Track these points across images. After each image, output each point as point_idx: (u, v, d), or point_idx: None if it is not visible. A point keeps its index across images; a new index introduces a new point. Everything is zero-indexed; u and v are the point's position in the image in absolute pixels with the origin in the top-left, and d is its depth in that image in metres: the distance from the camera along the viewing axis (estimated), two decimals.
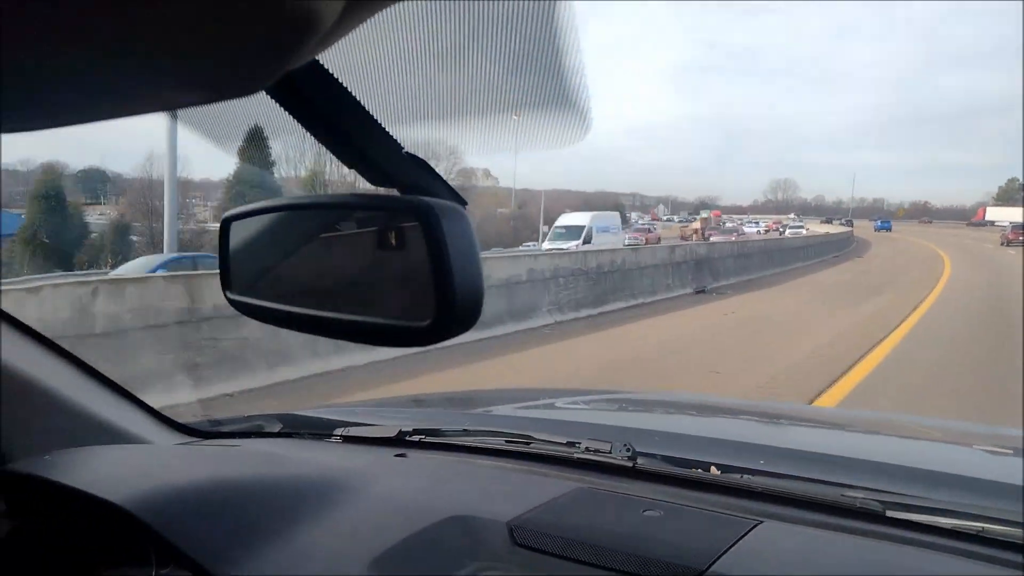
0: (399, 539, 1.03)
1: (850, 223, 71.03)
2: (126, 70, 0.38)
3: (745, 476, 1.20)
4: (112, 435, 1.41)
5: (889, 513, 1.07)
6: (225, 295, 0.74)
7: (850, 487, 1.13)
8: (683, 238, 41.19)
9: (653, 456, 1.28)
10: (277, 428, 1.62)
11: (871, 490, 1.12)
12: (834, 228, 60.10)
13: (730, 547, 0.97)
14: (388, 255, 0.60)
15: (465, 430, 1.48)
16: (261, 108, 0.71)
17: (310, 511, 1.11)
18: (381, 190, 0.66)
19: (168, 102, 0.45)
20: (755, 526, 1.04)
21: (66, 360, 1.41)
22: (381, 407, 1.95)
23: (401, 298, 0.59)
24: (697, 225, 52.94)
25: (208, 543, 1.00)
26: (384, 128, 0.64)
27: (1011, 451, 1.58)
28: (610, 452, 1.29)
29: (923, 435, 1.90)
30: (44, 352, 1.38)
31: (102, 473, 1.14)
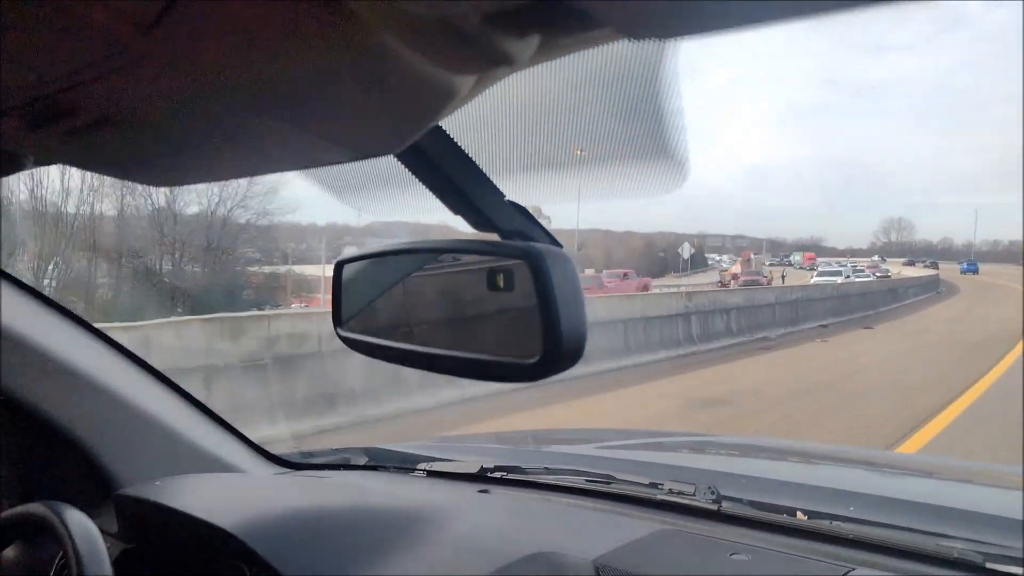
0: (485, 573, 1.06)
1: (935, 264, 67.97)
2: (283, 131, 0.44)
3: (835, 523, 1.17)
4: (211, 463, 1.49)
5: (989, 565, 1.03)
6: (337, 332, 0.79)
7: (946, 536, 1.10)
8: (722, 284, 39.63)
9: (738, 500, 1.26)
10: (363, 461, 1.68)
11: (969, 540, 1.08)
12: (917, 271, 57.45)
13: None
14: (496, 296, 0.64)
15: (546, 468, 1.49)
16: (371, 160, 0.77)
17: (399, 543, 1.14)
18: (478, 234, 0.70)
19: (314, 160, 0.51)
20: (847, 572, 1.02)
21: (171, 390, 1.51)
22: (463, 443, 1.99)
23: (509, 336, 0.63)
24: (736, 269, 51.05)
25: (306, 568, 1.05)
26: (488, 177, 0.69)
27: None
28: (694, 494, 1.29)
29: (1016, 484, 1.81)
30: (152, 381, 1.48)
31: (209, 499, 1.21)
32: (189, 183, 0.56)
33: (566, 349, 0.56)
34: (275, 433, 6.10)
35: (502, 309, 0.64)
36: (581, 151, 0.67)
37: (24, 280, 1.37)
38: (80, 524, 0.97)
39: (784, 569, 1.05)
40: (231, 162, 0.52)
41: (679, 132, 0.57)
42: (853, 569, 1.04)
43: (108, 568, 0.95)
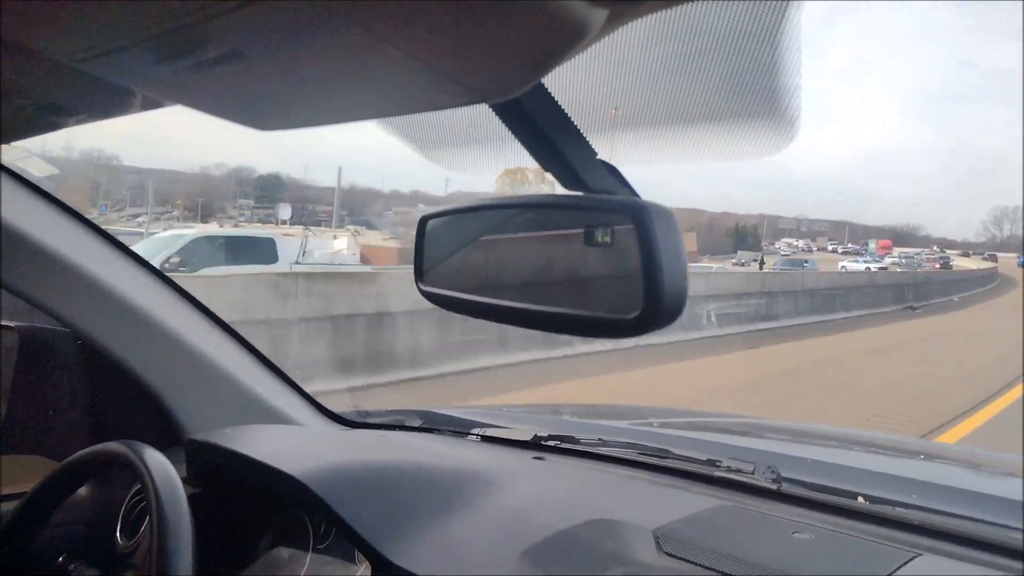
0: (545, 536, 1.07)
1: (993, 258, 65.42)
2: (409, 67, 0.44)
3: (899, 508, 1.15)
4: (274, 416, 1.53)
5: None
6: (417, 286, 0.80)
7: (1012, 528, 1.08)
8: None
9: (798, 481, 1.25)
10: (418, 423, 1.70)
11: None
12: (972, 263, 55.35)
13: (890, 574, 0.94)
14: (594, 251, 0.64)
15: (601, 439, 1.50)
16: (461, 113, 0.76)
17: (459, 501, 1.16)
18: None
19: (433, 102, 0.50)
20: (914, 558, 1.01)
21: (237, 342, 1.55)
22: (515, 411, 2.00)
23: (606, 292, 0.63)
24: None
25: (371, 520, 1.07)
26: (581, 134, 0.68)
27: None
28: (753, 473, 1.28)
29: None
30: (220, 332, 1.52)
31: (277, 449, 1.24)
32: (298, 126, 0.57)
33: (667, 305, 0.56)
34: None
35: (599, 264, 0.64)
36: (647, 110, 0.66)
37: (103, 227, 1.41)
38: (159, 463, 1.01)
39: (849, 550, 1.04)
40: (348, 102, 0.52)
41: (792, 91, 0.55)
42: (920, 554, 1.02)
43: (185, 506, 0.98)
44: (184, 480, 1.34)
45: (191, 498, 1.31)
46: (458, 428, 1.65)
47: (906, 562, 0.98)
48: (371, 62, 0.45)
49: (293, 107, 0.55)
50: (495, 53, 0.43)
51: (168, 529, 0.95)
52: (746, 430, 1.96)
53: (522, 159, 0.74)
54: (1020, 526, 1.07)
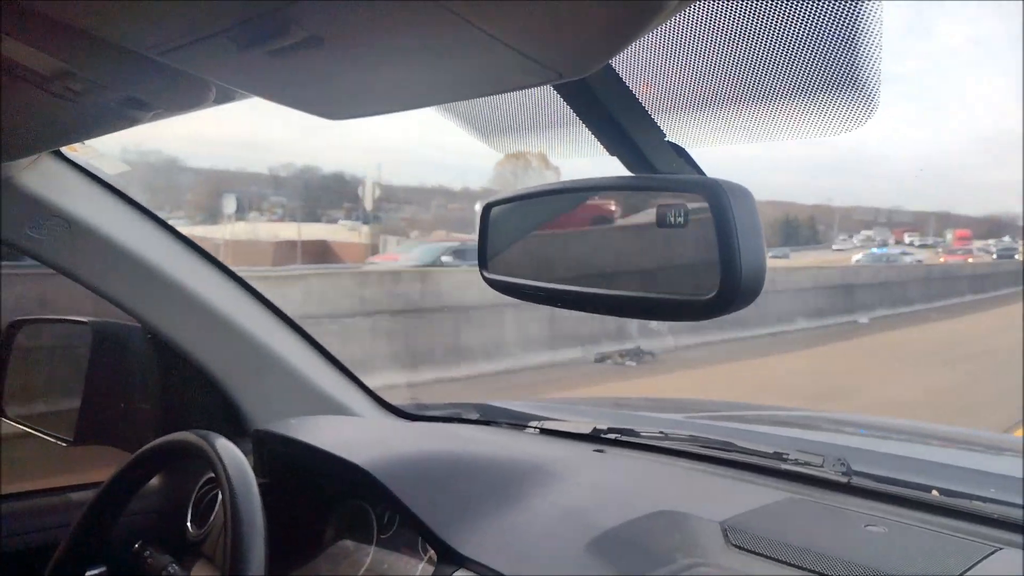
0: (611, 527, 1.06)
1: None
2: (484, 45, 0.43)
3: (975, 502, 1.11)
4: (335, 409, 1.56)
5: None
6: (482, 274, 0.80)
7: None
8: None
9: (870, 475, 1.21)
10: (475, 416, 1.71)
11: None
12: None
13: (971, 568, 0.91)
14: (667, 232, 0.63)
15: (662, 432, 1.48)
16: (526, 97, 0.76)
17: (521, 491, 1.16)
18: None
19: (508, 82, 0.50)
20: (994, 552, 0.97)
21: (300, 335, 1.57)
22: (573, 405, 1.99)
23: (681, 273, 0.62)
24: None
25: (436, 509, 1.07)
26: (649, 115, 0.67)
27: None
28: (822, 466, 1.24)
29: None
30: (282, 326, 1.55)
31: (341, 439, 1.26)
32: (369, 114, 0.57)
33: (745, 285, 0.54)
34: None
35: (673, 246, 0.63)
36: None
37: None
38: (232, 453, 1.03)
39: (925, 543, 1.00)
40: (424, 85, 0.52)
41: (874, 63, 0.53)
42: (1000, 548, 0.98)
43: (258, 496, 1.00)
44: (252, 470, 1.37)
45: (259, 488, 1.35)
46: (516, 421, 1.64)
47: (986, 556, 0.95)
48: (448, 41, 0.44)
49: (369, 93, 0.55)
50: (571, 30, 0.42)
51: (242, 519, 0.97)
52: (810, 423, 1.92)
53: (581, 144, 0.74)
54: None
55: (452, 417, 1.72)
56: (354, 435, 1.34)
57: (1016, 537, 1.04)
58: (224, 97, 0.70)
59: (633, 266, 0.67)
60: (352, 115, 0.58)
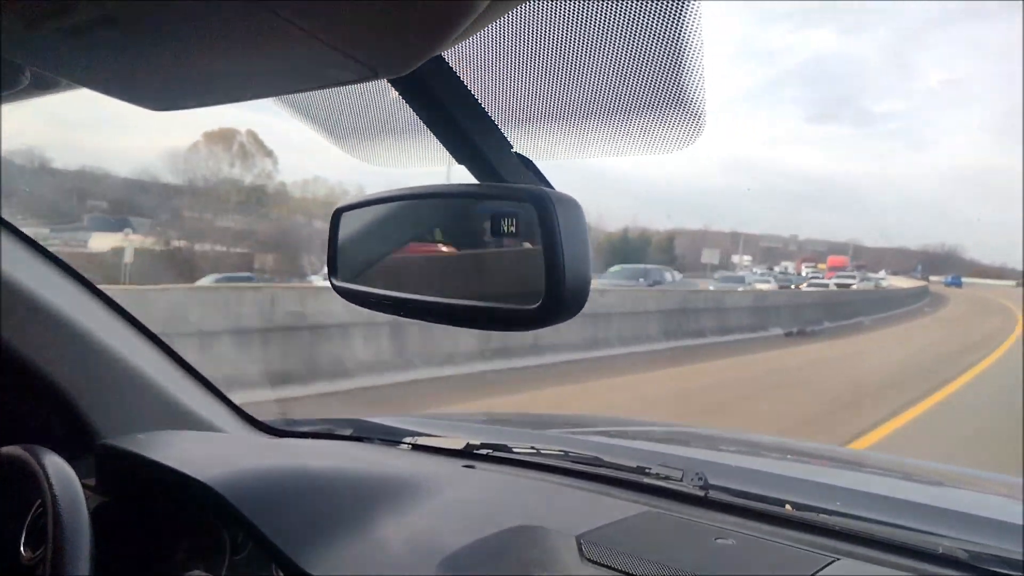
0: (469, 542, 1.05)
1: (926, 278, 67.29)
2: (298, 39, 0.42)
3: (821, 515, 1.17)
4: (194, 423, 1.48)
5: (974, 563, 1.03)
6: (331, 282, 0.77)
7: (931, 534, 1.10)
8: None
9: (725, 488, 1.26)
10: (348, 432, 1.66)
11: (953, 538, 1.08)
12: (904, 282, 56.30)
13: None
14: (500, 241, 0.63)
15: (533, 447, 1.48)
16: (377, 104, 0.75)
17: (383, 509, 1.13)
18: None
19: (328, 79, 0.49)
20: (832, 562, 1.02)
21: (157, 346, 1.49)
22: (450, 420, 1.97)
23: (510, 283, 0.62)
24: None
25: (287, 529, 1.03)
26: (497, 126, 0.67)
27: None
28: (681, 479, 1.28)
29: (997, 490, 1.81)
30: (138, 336, 1.46)
31: (192, 456, 1.19)
32: (191, 105, 0.54)
33: (569, 295, 0.55)
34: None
35: (505, 255, 0.63)
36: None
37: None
38: (59, 468, 0.95)
39: (769, 555, 1.04)
40: (240, 79, 0.50)
41: (698, 83, 0.55)
42: (838, 559, 1.03)
43: (85, 515, 0.93)
44: (92, 488, 1.28)
45: (99, 507, 1.26)
46: (389, 437, 1.61)
47: (823, 567, 0.99)
48: (261, 35, 0.43)
49: (184, 84, 0.52)
50: (384, 27, 0.41)
51: (65, 538, 0.90)
52: (678, 438, 1.98)
53: (434, 152, 0.73)
54: (930, 529, 1.10)
55: (323, 433, 1.67)
56: (208, 451, 1.27)
57: (856, 548, 1.10)
58: (44, 84, 0.65)
59: (471, 276, 0.66)
60: (171, 107, 0.55)
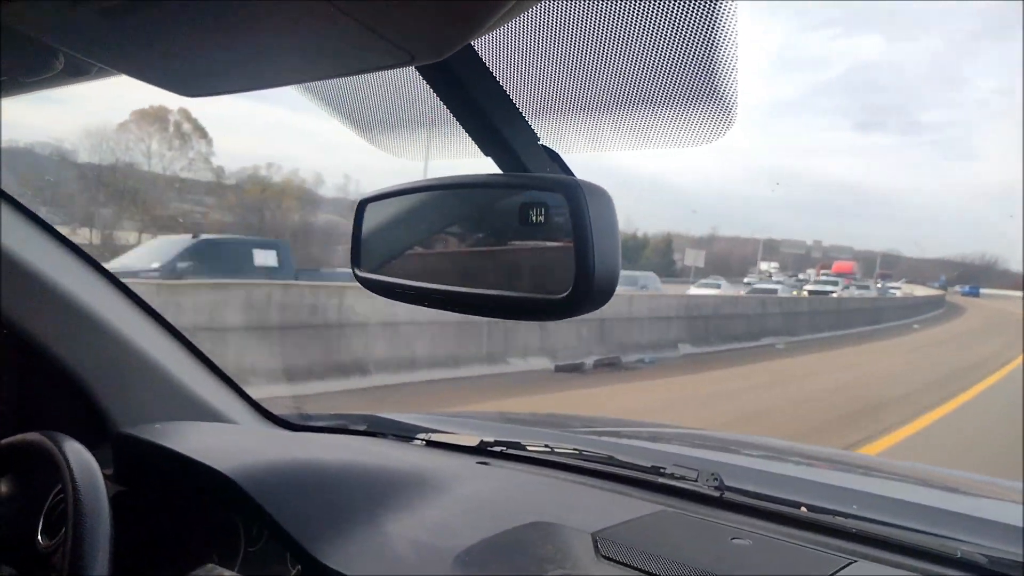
0: (483, 538, 1.04)
1: (945, 288, 66.69)
2: (333, 30, 0.42)
3: (838, 517, 1.16)
4: (210, 415, 1.48)
5: (993, 567, 1.02)
6: (354, 273, 0.78)
7: (949, 538, 1.09)
8: None
9: (741, 490, 1.25)
10: (362, 427, 1.67)
11: (971, 543, 1.08)
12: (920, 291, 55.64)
13: None
14: (528, 231, 0.63)
15: (547, 445, 1.48)
16: (403, 95, 0.75)
17: (397, 503, 1.13)
18: None
19: (364, 63, 0.49)
20: (849, 564, 1.01)
21: (175, 338, 1.50)
22: (464, 418, 1.97)
23: (538, 272, 0.62)
24: None
25: (303, 521, 1.03)
26: (524, 117, 0.67)
27: None
28: (696, 480, 1.27)
29: (1013, 496, 1.80)
30: (156, 327, 1.47)
31: (208, 446, 1.20)
32: (226, 91, 0.55)
33: (598, 285, 0.55)
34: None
35: (533, 244, 0.63)
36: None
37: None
38: (79, 455, 0.96)
39: (785, 556, 1.04)
40: (275, 64, 0.50)
41: (731, 76, 0.55)
42: (855, 561, 1.03)
43: (105, 501, 0.94)
44: (109, 477, 1.29)
45: (116, 496, 1.26)
46: (403, 433, 1.61)
47: (841, 568, 0.99)
48: (298, 16, 0.43)
49: (218, 69, 0.52)
50: (422, 10, 0.41)
51: (84, 526, 0.90)
52: (692, 440, 1.97)
53: (459, 143, 0.73)
54: (948, 534, 1.09)
55: (337, 428, 1.67)
56: (225, 443, 1.27)
57: (872, 551, 1.09)
58: (76, 70, 0.66)
59: (498, 265, 0.66)
60: (205, 92, 0.55)
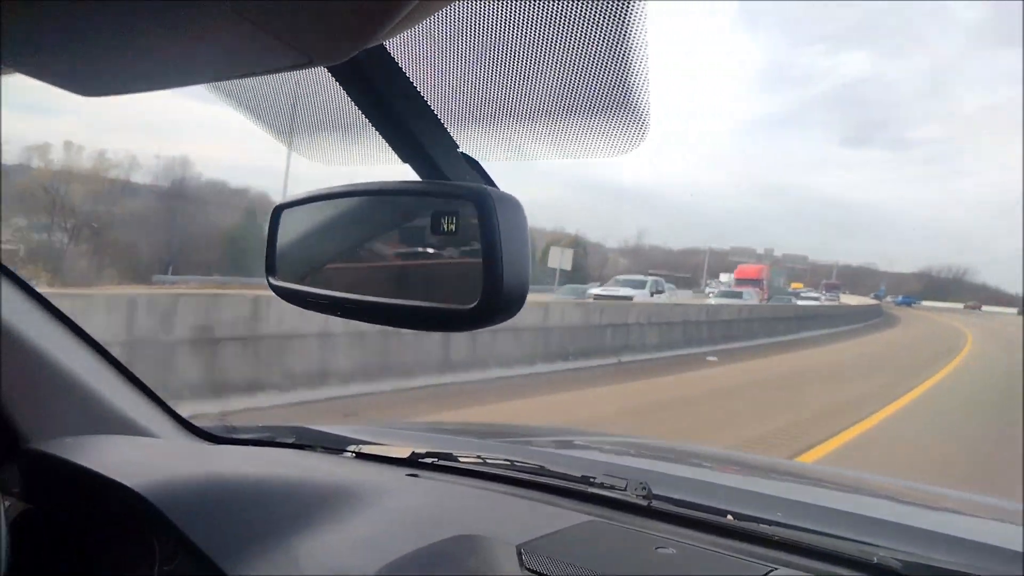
0: (407, 551, 1.03)
1: (878, 297, 69.06)
2: (228, 32, 0.40)
3: (761, 525, 1.18)
4: (128, 428, 1.42)
5: (905, 572, 1.05)
6: (268, 281, 0.75)
7: (868, 544, 1.12)
8: None
9: (668, 498, 1.26)
10: (290, 440, 1.62)
11: (889, 548, 1.11)
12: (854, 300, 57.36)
13: None
14: (440, 240, 0.62)
15: (479, 456, 1.47)
16: (319, 98, 0.73)
17: (321, 518, 1.10)
18: None
19: (263, 65, 0.47)
20: (769, 572, 1.02)
21: (92, 349, 1.43)
22: (397, 429, 1.95)
23: (449, 282, 0.61)
24: None
25: (219, 539, 1.00)
26: (443, 125, 0.66)
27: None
28: (624, 489, 1.28)
29: (932, 502, 1.86)
30: (72, 338, 1.40)
31: (121, 461, 1.15)
32: (124, 91, 0.52)
33: (507, 296, 0.54)
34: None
35: (445, 254, 0.62)
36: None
37: None
38: None
39: (709, 565, 1.05)
40: (173, 65, 0.48)
41: (642, 86, 0.55)
42: (775, 568, 1.04)
43: (2, 524, 0.88)
44: (16, 495, 1.22)
45: (22, 514, 1.20)
46: (333, 445, 1.58)
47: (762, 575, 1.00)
48: (193, 18, 0.41)
49: (117, 69, 0.50)
50: (319, 12, 0.40)
51: None
52: (624, 449, 1.98)
53: (379, 150, 0.72)
54: (867, 539, 1.12)
55: (264, 441, 1.62)
56: (140, 457, 1.22)
57: (794, 558, 1.11)
58: None
59: (410, 275, 0.65)
60: (104, 92, 0.53)
